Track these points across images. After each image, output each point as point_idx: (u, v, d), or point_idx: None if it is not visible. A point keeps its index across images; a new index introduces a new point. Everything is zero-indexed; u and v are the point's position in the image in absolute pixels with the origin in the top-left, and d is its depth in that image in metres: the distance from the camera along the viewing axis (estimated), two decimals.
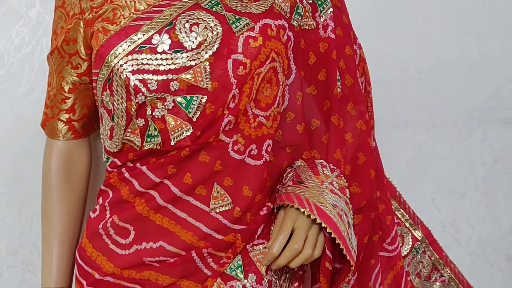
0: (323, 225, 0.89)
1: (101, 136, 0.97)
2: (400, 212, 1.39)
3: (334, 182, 0.97)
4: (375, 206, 1.06)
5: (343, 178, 1.00)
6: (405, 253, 1.39)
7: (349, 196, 0.99)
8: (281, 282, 0.97)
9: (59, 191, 1.00)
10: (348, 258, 0.90)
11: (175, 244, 0.90)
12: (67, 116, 0.99)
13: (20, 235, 1.20)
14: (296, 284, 0.98)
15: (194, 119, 0.87)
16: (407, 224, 1.39)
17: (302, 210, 0.90)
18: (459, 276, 1.45)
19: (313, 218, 0.90)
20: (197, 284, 0.91)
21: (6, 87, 1.15)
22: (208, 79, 0.87)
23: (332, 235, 0.89)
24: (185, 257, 0.90)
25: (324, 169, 0.98)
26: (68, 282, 1.01)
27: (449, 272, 1.45)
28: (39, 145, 1.07)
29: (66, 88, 0.97)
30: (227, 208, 0.91)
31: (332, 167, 1.00)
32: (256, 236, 0.94)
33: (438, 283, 1.45)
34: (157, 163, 0.90)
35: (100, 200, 0.96)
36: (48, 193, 1.01)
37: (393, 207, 1.37)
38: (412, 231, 1.40)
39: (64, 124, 1.00)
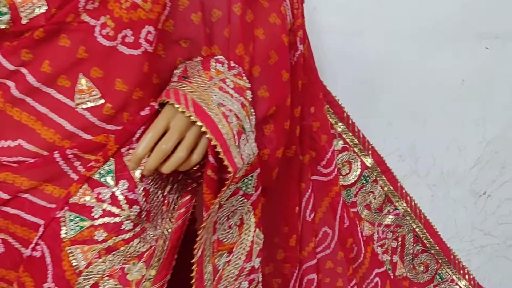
0: (199, 123, 0.76)
1: None
2: (348, 135, 1.23)
3: (227, 80, 0.82)
4: (288, 113, 0.91)
5: (244, 78, 0.85)
6: (352, 181, 1.25)
7: (250, 100, 0.85)
8: (164, 193, 0.85)
9: None
10: (226, 162, 0.76)
11: (35, 143, 0.79)
12: None
13: None
14: (187, 198, 0.86)
15: None
16: (355, 149, 1.24)
17: (177, 106, 0.77)
18: (416, 210, 1.30)
19: (188, 115, 0.76)
20: (63, 190, 0.81)
21: None
22: None
23: (208, 136, 0.76)
24: (47, 158, 0.79)
25: (218, 64, 0.84)
26: None
27: (405, 205, 1.30)
28: None
29: None
30: (95, 104, 0.79)
31: (233, 64, 0.85)
32: (134, 139, 0.82)
33: (391, 216, 1.30)
34: (11, 47, 0.77)
35: None
36: None
37: (339, 130, 1.22)
38: (362, 157, 1.25)
39: None
